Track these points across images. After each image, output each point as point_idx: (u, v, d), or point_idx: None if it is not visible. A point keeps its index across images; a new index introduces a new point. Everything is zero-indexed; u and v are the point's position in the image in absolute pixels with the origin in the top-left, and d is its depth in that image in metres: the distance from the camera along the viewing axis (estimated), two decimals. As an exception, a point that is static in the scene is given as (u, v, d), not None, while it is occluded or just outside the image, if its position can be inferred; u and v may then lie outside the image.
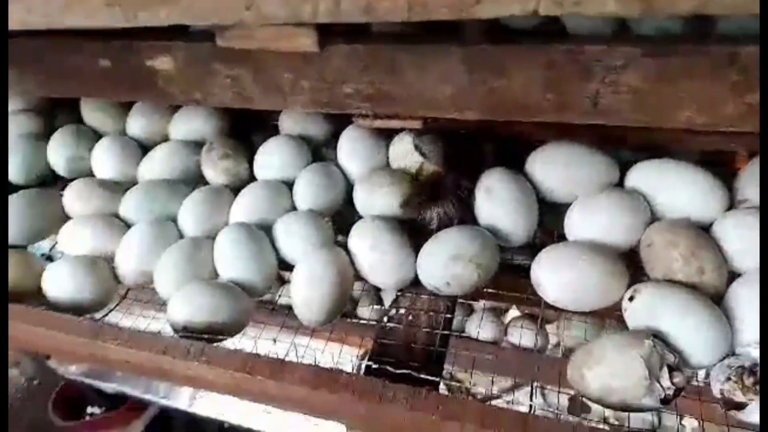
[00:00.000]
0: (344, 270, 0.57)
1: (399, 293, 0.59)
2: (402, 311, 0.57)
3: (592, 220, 0.55)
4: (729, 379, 0.44)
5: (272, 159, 0.68)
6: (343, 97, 0.50)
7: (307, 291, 0.56)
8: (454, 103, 0.47)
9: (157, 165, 0.72)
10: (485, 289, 0.57)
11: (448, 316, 0.57)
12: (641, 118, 0.43)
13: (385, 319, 0.57)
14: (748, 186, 0.54)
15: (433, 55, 0.45)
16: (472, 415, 0.43)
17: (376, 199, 0.61)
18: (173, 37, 0.52)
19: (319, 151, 0.72)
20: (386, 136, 0.67)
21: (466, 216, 0.59)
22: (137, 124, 0.77)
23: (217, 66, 0.52)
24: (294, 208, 0.65)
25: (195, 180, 0.72)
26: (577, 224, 0.56)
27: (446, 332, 0.55)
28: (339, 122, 0.71)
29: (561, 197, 0.59)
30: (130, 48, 0.54)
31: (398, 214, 0.60)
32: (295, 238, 0.60)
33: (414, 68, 0.46)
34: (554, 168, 0.59)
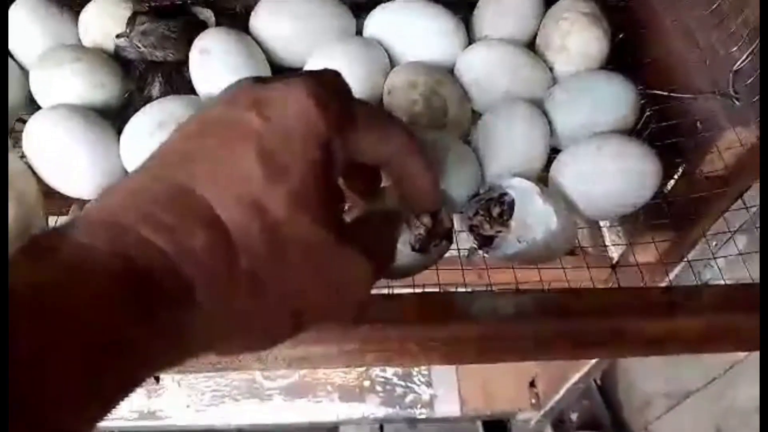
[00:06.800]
0: (21, 183, 0.42)
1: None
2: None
3: (329, 74, 0.47)
4: (477, 213, 0.40)
5: None
6: None
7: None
8: None
9: None
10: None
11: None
12: None
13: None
14: (485, 22, 0.50)
15: None
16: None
17: (57, 81, 0.46)
18: None
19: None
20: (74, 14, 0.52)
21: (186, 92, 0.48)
22: None
23: None
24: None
25: None
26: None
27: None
28: None
29: (295, 57, 0.50)
30: None
31: (93, 102, 0.46)
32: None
33: None
34: (282, 21, 0.49)
